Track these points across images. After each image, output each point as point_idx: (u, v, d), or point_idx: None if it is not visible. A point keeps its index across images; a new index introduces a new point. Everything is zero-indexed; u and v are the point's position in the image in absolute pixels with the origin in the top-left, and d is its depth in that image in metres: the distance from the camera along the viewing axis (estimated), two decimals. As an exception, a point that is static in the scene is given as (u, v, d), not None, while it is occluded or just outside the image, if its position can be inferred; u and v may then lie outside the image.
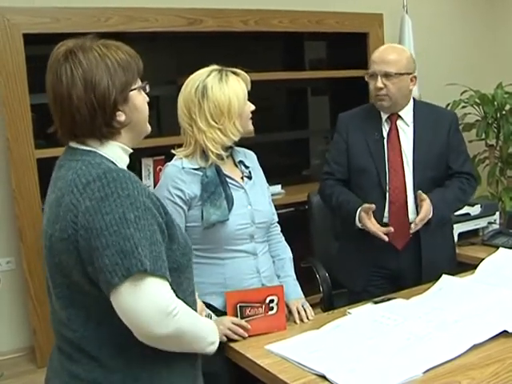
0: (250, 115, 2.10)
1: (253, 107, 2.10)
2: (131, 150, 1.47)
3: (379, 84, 2.38)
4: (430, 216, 2.33)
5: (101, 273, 1.26)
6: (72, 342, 1.37)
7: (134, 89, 1.42)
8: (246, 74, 2.10)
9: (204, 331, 1.45)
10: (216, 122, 2.02)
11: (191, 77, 2.08)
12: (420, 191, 2.32)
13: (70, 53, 1.36)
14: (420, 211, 2.31)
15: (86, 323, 1.36)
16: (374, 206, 2.32)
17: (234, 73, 2.07)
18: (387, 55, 2.40)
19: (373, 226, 2.34)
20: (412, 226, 2.32)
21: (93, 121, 1.36)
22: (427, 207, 2.31)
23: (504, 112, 4.51)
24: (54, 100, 1.38)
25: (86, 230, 1.27)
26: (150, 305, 1.28)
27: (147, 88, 1.48)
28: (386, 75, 2.37)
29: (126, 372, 1.35)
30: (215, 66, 2.08)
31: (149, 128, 1.50)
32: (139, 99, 1.44)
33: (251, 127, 2.12)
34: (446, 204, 2.44)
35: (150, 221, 1.32)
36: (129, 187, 1.30)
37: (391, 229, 2.33)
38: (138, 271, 1.26)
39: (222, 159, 2.07)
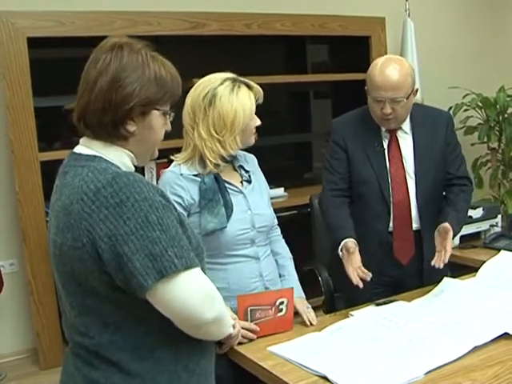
0: (254, 130, 2.08)
1: (258, 122, 2.08)
2: (136, 162, 1.45)
3: (388, 110, 2.27)
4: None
5: (132, 277, 1.26)
6: (88, 348, 1.36)
7: (158, 109, 1.40)
8: (259, 88, 2.07)
9: (228, 314, 1.49)
10: (217, 133, 2.00)
11: (203, 80, 2.06)
12: (447, 224, 2.24)
13: (119, 46, 1.37)
14: (446, 245, 2.23)
15: (102, 330, 1.35)
16: (354, 247, 2.22)
17: (248, 85, 2.05)
18: (392, 77, 2.24)
19: (350, 267, 2.19)
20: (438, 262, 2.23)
21: (102, 116, 1.35)
22: (450, 243, 2.25)
23: (506, 115, 4.51)
24: (82, 79, 1.38)
25: (109, 238, 1.26)
26: (193, 295, 1.31)
27: (170, 116, 1.45)
28: (395, 100, 2.26)
29: (146, 376, 1.35)
30: (230, 75, 2.05)
31: (156, 153, 1.48)
32: (158, 121, 1.41)
33: (252, 141, 2.10)
34: (460, 224, 2.40)
35: (171, 218, 1.33)
36: (143, 190, 1.29)
37: (369, 276, 2.17)
38: (171, 272, 1.28)
39: (219, 165, 2.05)
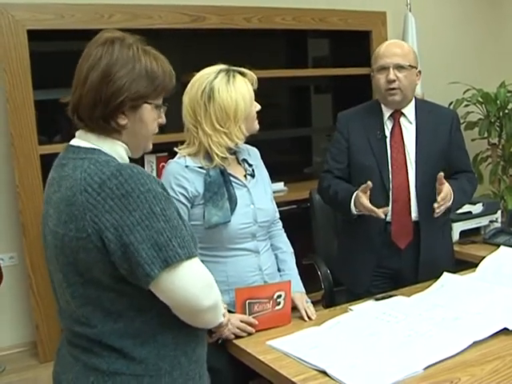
0: (256, 115, 2.09)
1: (258, 107, 2.09)
2: (130, 154, 1.47)
3: (392, 76, 2.34)
4: (450, 203, 2.30)
5: (138, 266, 1.29)
6: (89, 337, 1.38)
7: (149, 103, 1.41)
8: (252, 74, 2.08)
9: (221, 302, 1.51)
10: (222, 126, 2.00)
11: (197, 76, 2.05)
12: (441, 173, 2.25)
13: (110, 41, 1.38)
14: (440, 191, 2.25)
15: (104, 319, 1.37)
16: (370, 183, 2.24)
17: (241, 73, 2.05)
18: (396, 48, 2.39)
19: (369, 203, 2.24)
20: (435, 205, 2.24)
21: (93, 110, 1.37)
22: (448, 188, 2.27)
23: (507, 111, 4.50)
24: (75, 73, 1.40)
25: (115, 228, 1.28)
26: (194, 283, 1.34)
27: (164, 109, 1.47)
28: (399, 67, 2.35)
29: (149, 362, 1.38)
30: (222, 66, 2.05)
31: (149, 146, 1.50)
32: (149, 115, 1.43)
33: (257, 127, 2.11)
34: (463, 192, 2.43)
35: (172, 209, 1.36)
36: (147, 182, 1.31)
37: (387, 209, 2.29)
38: (175, 261, 1.31)
39: (226, 159, 2.06)
